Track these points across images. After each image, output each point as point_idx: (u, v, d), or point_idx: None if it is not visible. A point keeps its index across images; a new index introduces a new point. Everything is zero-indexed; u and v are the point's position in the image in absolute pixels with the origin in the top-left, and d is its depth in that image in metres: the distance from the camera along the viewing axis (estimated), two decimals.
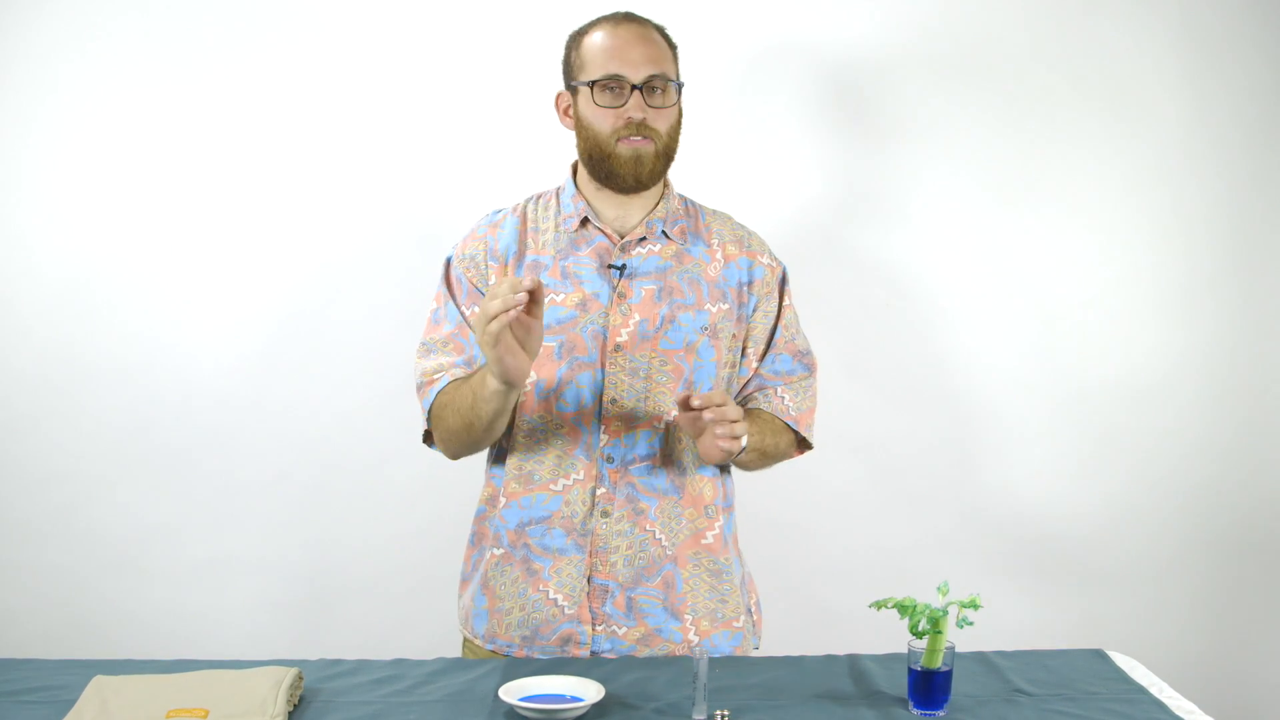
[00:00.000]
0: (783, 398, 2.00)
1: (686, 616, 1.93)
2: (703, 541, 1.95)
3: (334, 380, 2.64)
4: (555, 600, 1.91)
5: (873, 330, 2.65)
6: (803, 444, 2.05)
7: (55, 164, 2.60)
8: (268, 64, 2.59)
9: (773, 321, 2.01)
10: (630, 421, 1.90)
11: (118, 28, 2.57)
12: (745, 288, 1.99)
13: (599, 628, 1.91)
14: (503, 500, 1.94)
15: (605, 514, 1.90)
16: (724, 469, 2.01)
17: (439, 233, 2.45)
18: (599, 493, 1.90)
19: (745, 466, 1.99)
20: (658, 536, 1.92)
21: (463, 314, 1.94)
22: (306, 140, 2.61)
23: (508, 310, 1.63)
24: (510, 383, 1.73)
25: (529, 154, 2.50)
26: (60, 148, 2.60)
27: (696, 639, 1.93)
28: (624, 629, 1.91)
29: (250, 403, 2.65)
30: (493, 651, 1.96)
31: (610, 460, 1.90)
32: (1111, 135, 2.64)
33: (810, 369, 2.04)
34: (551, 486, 1.91)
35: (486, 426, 1.83)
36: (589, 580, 1.90)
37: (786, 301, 2.04)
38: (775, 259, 2.04)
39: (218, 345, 2.64)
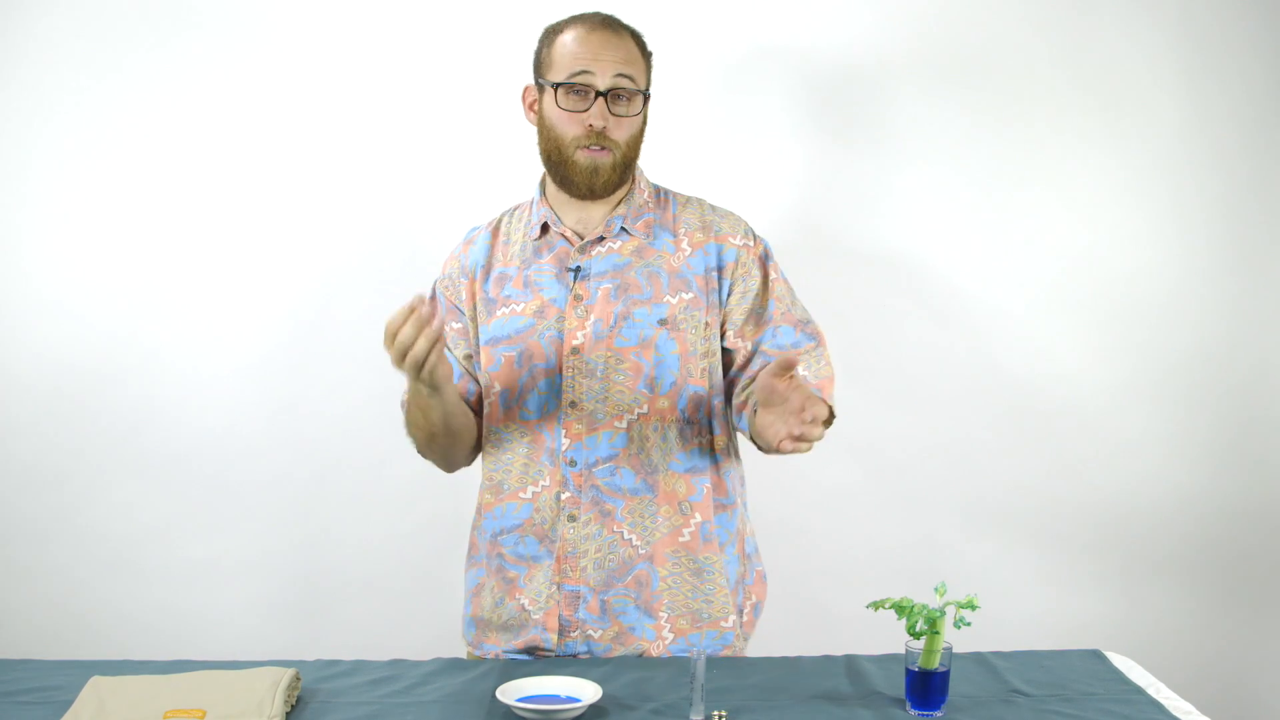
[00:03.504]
0: (779, 344, 1.93)
1: (661, 614, 1.90)
2: (680, 539, 1.92)
3: (331, 381, 2.64)
4: (524, 606, 1.91)
5: (868, 331, 2.65)
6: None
7: (54, 168, 2.60)
8: (265, 71, 2.59)
9: (752, 300, 1.95)
10: (591, 423, 1.89)
11: (118, 36, 2.57)
12: (714, 273, 1.94)
13: (574, 633, 1.90)
14: (481, 512, 1.97)
15: (572, 518, 1.89)
16: (715, 466, 1.95)
17: (435, 235, 2.44)
18: (564, 497, 1.89)
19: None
20: (627, 536, 1.90)
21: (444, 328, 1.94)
22: (304, 145, 2.61)
23: (431, 345, 1.68)
24: (438, 386, 1.78)
25: (523, 160, 2.49)
26: (59, 152, 2.60)
27: (671, 637, 1.91)
28: (599, 632, 1.90)
29: (247, 403, 2.64)
30: (480, 657, 1.97)
31: (573, 464, 1.89)
32: (1108, 135, 2.63)
33: (816, 338, 1.96)
34: (521, 495, 1.91)
35: (445, 430, 1.89)
36: (559, 587, 1.90)
37: (774, 276, 1.97)
38: (753, 237, 1.98)
39: (215, 346, 2.63)
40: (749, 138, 2.62)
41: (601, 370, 1.88)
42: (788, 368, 1.68)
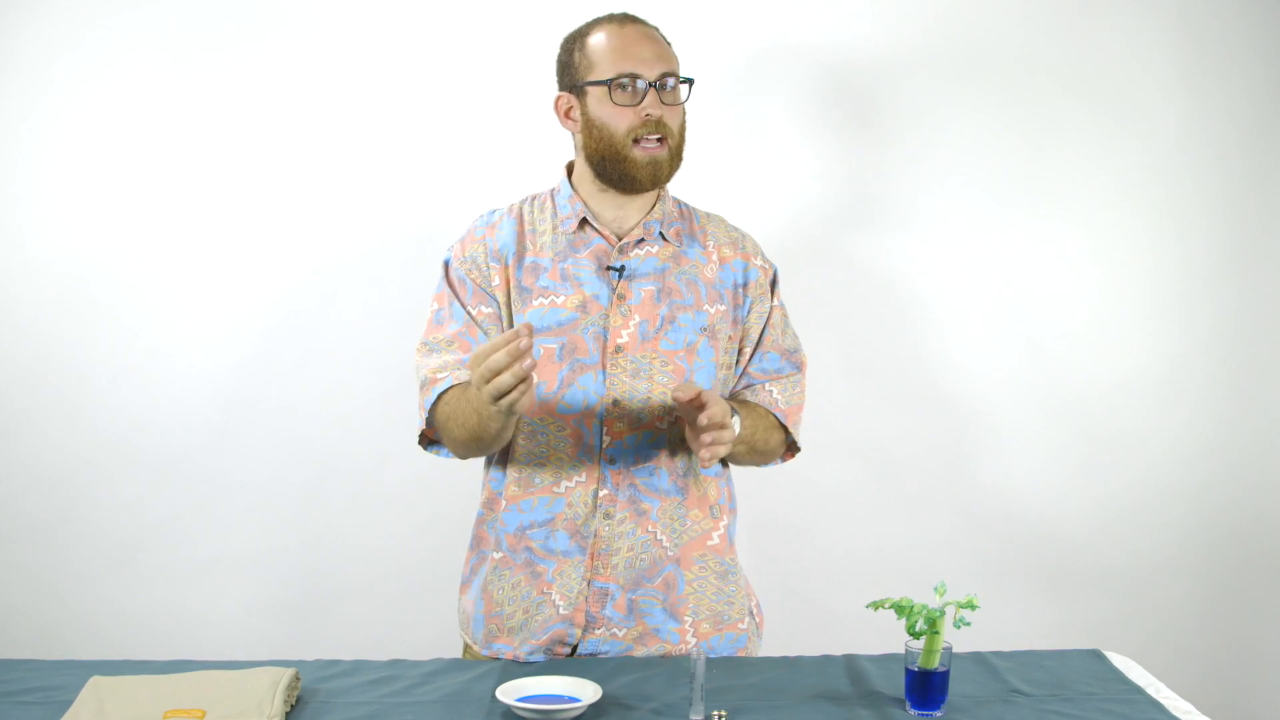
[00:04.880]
0: (770, 391, 1.99)
1: (686, 618, 1.93)
2: (709, 543, 1.95)
3: (331, 380, 2.64)
4: (555, 602, 1.90)
5: (869, 331, 2.65)
6: (790, 448, 2.04)
7: (52, 163, 2.60)
8: (264, 64, 2.59)
9: (764, 322, 2.01)
10: (632, 423, 1.89)
11: (116, 27, 2.57)
12: (740, 289, 1.99)
13: (598, 630, 1.90)
14: (502, 504, 1.94)
15: (607, 516, 1.90)
16: (725, 468, 2.01)
17: (436, 232, 2.44)
18: (601, 494, 1.90)
19: (734, 460, 1.98)
20: (659, 538, 1.91)
21: (469, 313, 1.94)
22: (303, 140, 2.61)
23: (519, 382, 1.61)
24: (514, 413, 1.72)
25: (524, 154, 2.50)
26: (57, 147, 2.59)
27: (695, 640, 1.92)
28: (623, 630, 1.91)
29: (247, 403, 2.64)
30: (489, 656, 1.95)
31: (612, 462, 1.90)
32: (1108, 137, 2.64)
33: (799, 367, 2.03)
34: (554, 489, 1.91)
35: (494, 438, 1.84)
36: (589, 584, 1.90)
37: (775, 302, 2.03)
38: (767, 261, 2.04)
39: (215, 345, 2.63)
40: (755, 138, 2.62)
41: (646, 371, 1.90)
42: (690, 400, 1.74)
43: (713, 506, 1.95)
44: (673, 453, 1.91)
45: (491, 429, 1.80)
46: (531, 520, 1.91)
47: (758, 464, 2.03)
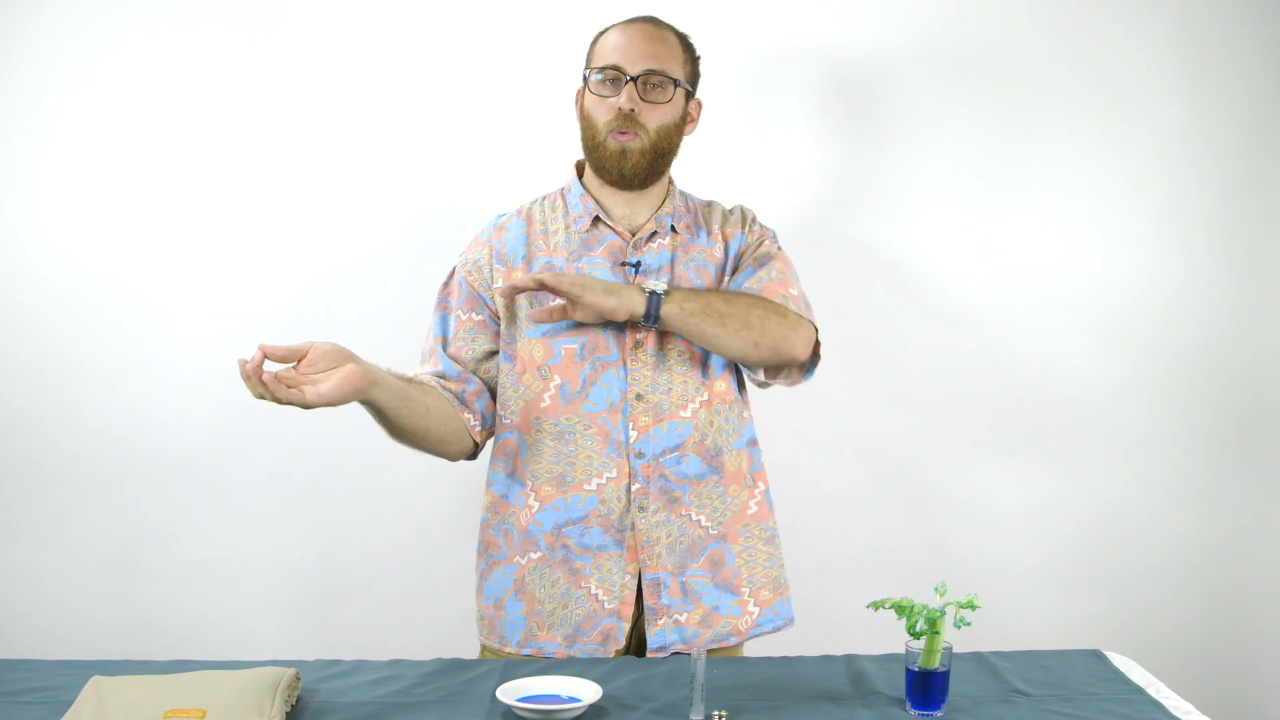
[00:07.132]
0: (738, 283, 1.96)
1: (744, 589, 1.97)
2: (749, 513, 2.00)
3: None
4: (596, 595, 1.93)
5: (872, 330, 2.65)
6: (806, 367, 1.97)
7: (53, 162, 2.60)
8: (268, 64, 2.59)
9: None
10: (657, 415, 1.93)
11: (118, 26, 2.57)
12: (735, 260, 2.03)
13: (660, 621, 1.93)
14: (535, 505, 1.96)
15: (642, 509, 1.93)
16: (754, 443, 2.04)
17: (439, 234, 2.45)
18: (634, 488, 1.93)
19: (698, 336, 1.87)
20: (695, 518, 1.95)
21: (450, 321, 1.99)
22: (306, 141, 2.61)
23: (270, 391, 1.70)
24: (345, 401, 1.76)
25: (529, 156, 2.51)
26: (58, 146, 2.59)
27: (757, 611, 1.98)
28: (684, 615, 1.94)
29: (249, 403, 2.61)
30: (529, 655, 1.95)
31: (641, 455, 1.93)
32: (1110, 135, 2.64)
33: (766, 260, 1.98)
34: (585, 486, 1.93)
35: (410, 437, 1.91)
36: (640, 576, 1.93)
37: (762, 250, 2.01)
38: (758, 227, 2.05)
39: (217, 345, 2.63)
40: (762, 135, 2.62)
41: (666, 362, 1.94)
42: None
43: (745, 476, 1.99)
44: (700, 437, 1.95)
45: (392, 430, 1.88)
46: (566, 518, 1.94)
47: (739, 342, 1.88)
